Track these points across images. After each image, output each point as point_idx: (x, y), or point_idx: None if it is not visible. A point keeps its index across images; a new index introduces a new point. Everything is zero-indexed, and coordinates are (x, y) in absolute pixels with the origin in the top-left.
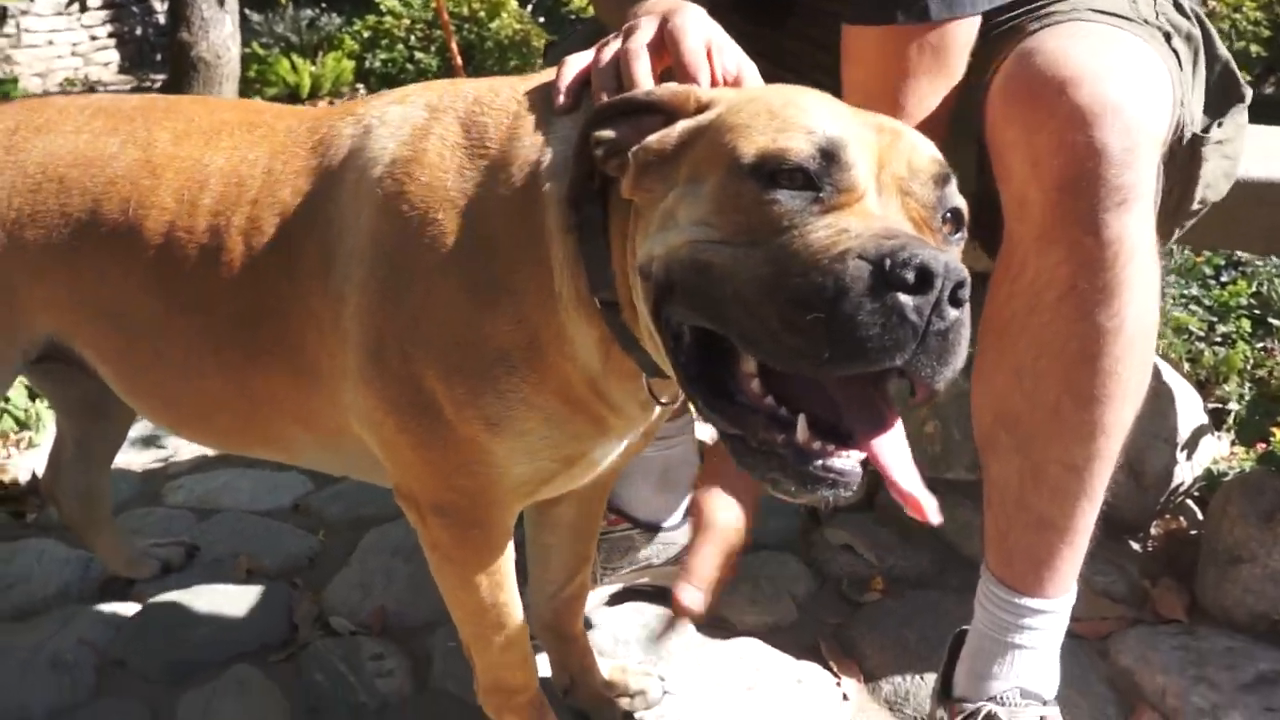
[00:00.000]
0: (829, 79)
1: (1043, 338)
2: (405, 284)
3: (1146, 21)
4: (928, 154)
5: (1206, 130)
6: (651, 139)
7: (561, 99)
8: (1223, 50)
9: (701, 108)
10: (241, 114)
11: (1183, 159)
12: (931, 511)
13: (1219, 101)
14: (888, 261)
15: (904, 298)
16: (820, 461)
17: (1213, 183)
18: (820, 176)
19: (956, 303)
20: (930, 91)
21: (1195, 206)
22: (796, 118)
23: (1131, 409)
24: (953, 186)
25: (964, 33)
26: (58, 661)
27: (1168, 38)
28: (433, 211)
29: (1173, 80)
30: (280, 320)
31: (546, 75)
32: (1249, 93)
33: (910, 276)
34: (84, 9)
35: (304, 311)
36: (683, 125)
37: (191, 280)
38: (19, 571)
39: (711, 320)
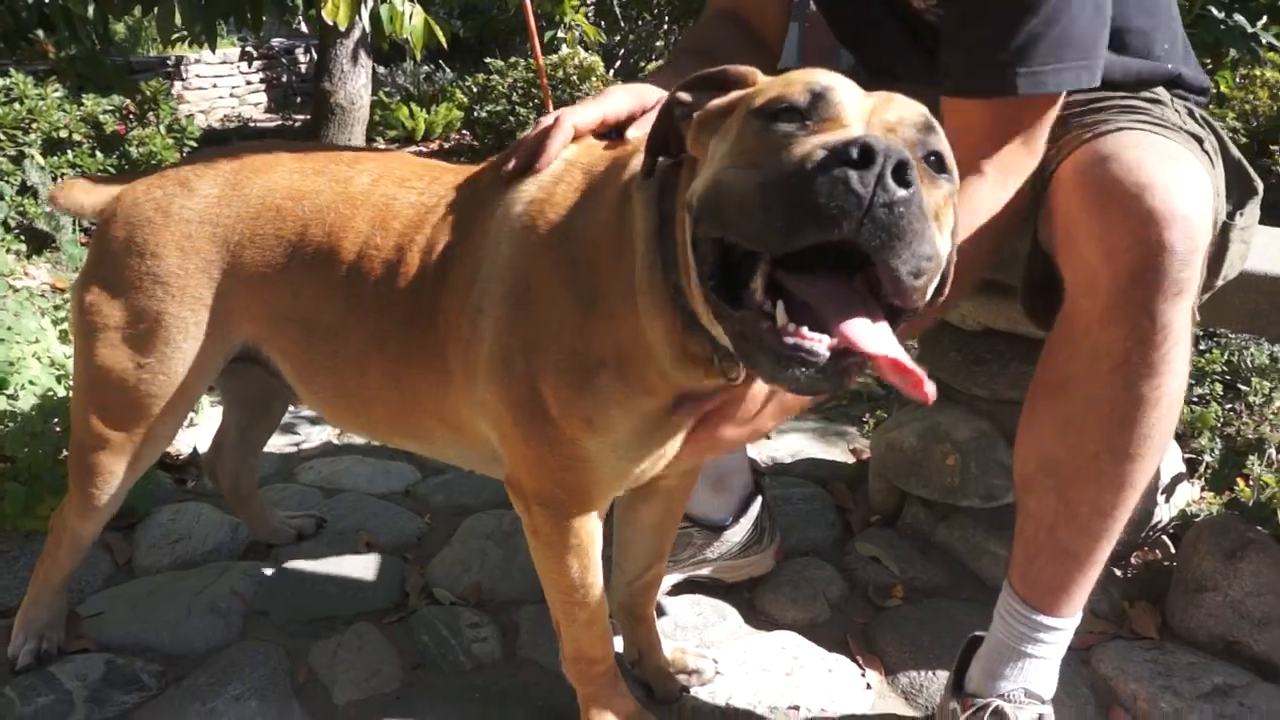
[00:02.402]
0: None
1: (1093, 398)
2: (530, 301)
3: (1181, 129)
4: (915, 109)
5: (1230, 218)
6: (712, 103)
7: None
8: (1234, 150)
9: (755, 84)
10: (429, 165)
11: (1215, 245)
12: (916, 370)
13: (1237, 194)
14: (839, 145)
15: (848, 170)
16: (791, 340)
17: (1233, 263)
18: (809, 110)
19: (903, 182)
20: (1014, 161)
21: (1219, 285)
22: (802, 76)
23: (1155, 467)
24: (937, 134)
25: (1046, 107)
26: (214, 607)
27: (1199, 142)
28: (554, 241)
29: (1210, 181)
30: (429, 327)
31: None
32: (1261, 186)
33: (854, 153)
34: (251, 61)
35: (447, 321)
36: (733, 94)
37: (371, 290)
38: (182, 529)
39: (721, 228)
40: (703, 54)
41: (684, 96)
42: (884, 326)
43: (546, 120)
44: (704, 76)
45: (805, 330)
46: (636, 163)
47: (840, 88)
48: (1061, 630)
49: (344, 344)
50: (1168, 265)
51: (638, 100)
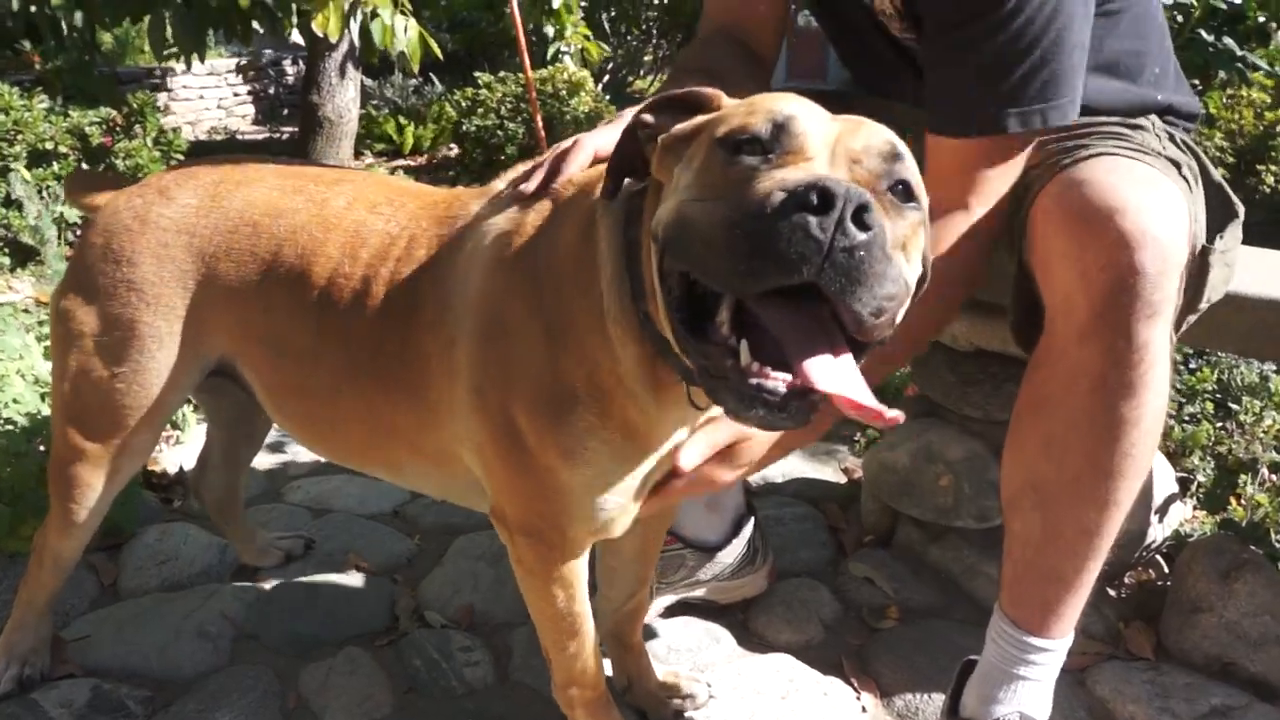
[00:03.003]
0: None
1: (1073, 417)
2: (500, 334)
3: (1160, 154)
4: (881, 136)
5: (1210, 242)
6: (676, 127)
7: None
8: (1216, 174)
9: (720, 107)
10: (398, 190)
11: (1193, 268)
12: (873, 405)
13: (1219, 217)
14: (799, 189)
15: (808, 216)
16: (754, 381)
17: (1215, 286)
18: (771, 143)
19: (862, 226)
20: (998, 191)
21: (1201, 308)
22: (765, 104)
23: (1138, 485)
24: (904, 163)
25: (1029, 140)
26: (203, 630)
27: (1177, 167)
28: (521, 270)
29: (1187, 205)
30: (403, 359)
31: None
32: (1242, 209)
33: (813, 198)
34: (244, 73)
35: (422, 353)
36: (699, 119)
37: (341, 317)
38: (169, 550)
39: (687, 263)
40: (705, 72)
41: (648, 118)
42: (847, 360)
43: (565, 143)
44: (669, 98)
45: (768, 370)
46: (596, 209)
47: (802, 116)
48: (1053, 651)
49: (315, 369)
50: (1140, 287)
51: None
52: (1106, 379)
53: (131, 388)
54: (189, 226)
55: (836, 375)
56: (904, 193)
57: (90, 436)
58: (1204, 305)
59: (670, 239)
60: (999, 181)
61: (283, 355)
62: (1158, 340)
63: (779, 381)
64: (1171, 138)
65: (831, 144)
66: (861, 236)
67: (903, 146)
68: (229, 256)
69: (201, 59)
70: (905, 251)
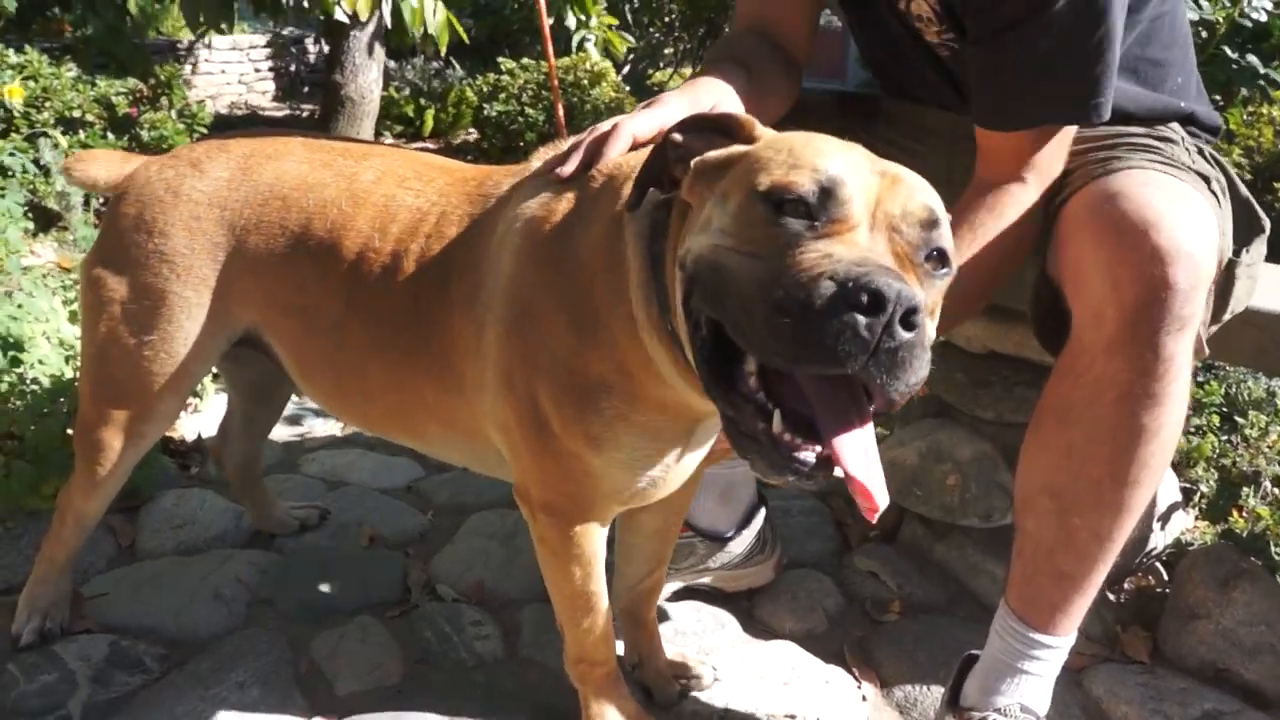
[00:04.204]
0: None
1: (1097, 427)
2: (529, 321)
3: (1190, 168)
4: (920, 200)
5: (1237, 255)
6: (710, 154)
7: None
8: (1243, 188)
9: (754, 138)
10: (427, 164)
11: (1221, 281)
12: (879, 499)
13: (1244, 231)
14: (850, 285)
15: (858, 317)
16: (789, 452)
17: (1239, 299)
18: (818, 208)
19: (908, 326)
20: (1053, 169)
21: (1225, 319)
22: (809, 157)
23: (1153, 493)
24: (940, 230)
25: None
26: (218, 594)
27: (1207, 181)
28: (551, 260)
29: (1216, 220)
30: (432, 335)
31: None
32: (1267, 223)
33: (864, 299)
34: (273, 51)
35: (451, 331)
36: (734, 148)
37: (371, 292)
38: (186, 514)
39: (717, 312)
40: (736, 61)
41: (678, 138)
42: (869, 434)
43: (604, 126)
44: (700, 119)
45: (799, 441)
46: (629, 188)
47: (848, 179)
48: (1057, 649)
49: (344, 342)
50: (1171, 301)
51: (693, 108)
52: (1132, 390)
53: (159, 355)
54: (221, 199)
55: (862, 459)
56: (939, 258)
57: (116, 402)
58: (1227, 317)
59: (703, 282)
60: (1053, 162)
61: (311, 327)
62: (1183, 353)
63: (810, 453)
64: (1200, 151)
65: (872, 208)
66: (907, 336)
67: (940, 210)
68: (259, 229)
69: (230, 28)
70: (932, 316)
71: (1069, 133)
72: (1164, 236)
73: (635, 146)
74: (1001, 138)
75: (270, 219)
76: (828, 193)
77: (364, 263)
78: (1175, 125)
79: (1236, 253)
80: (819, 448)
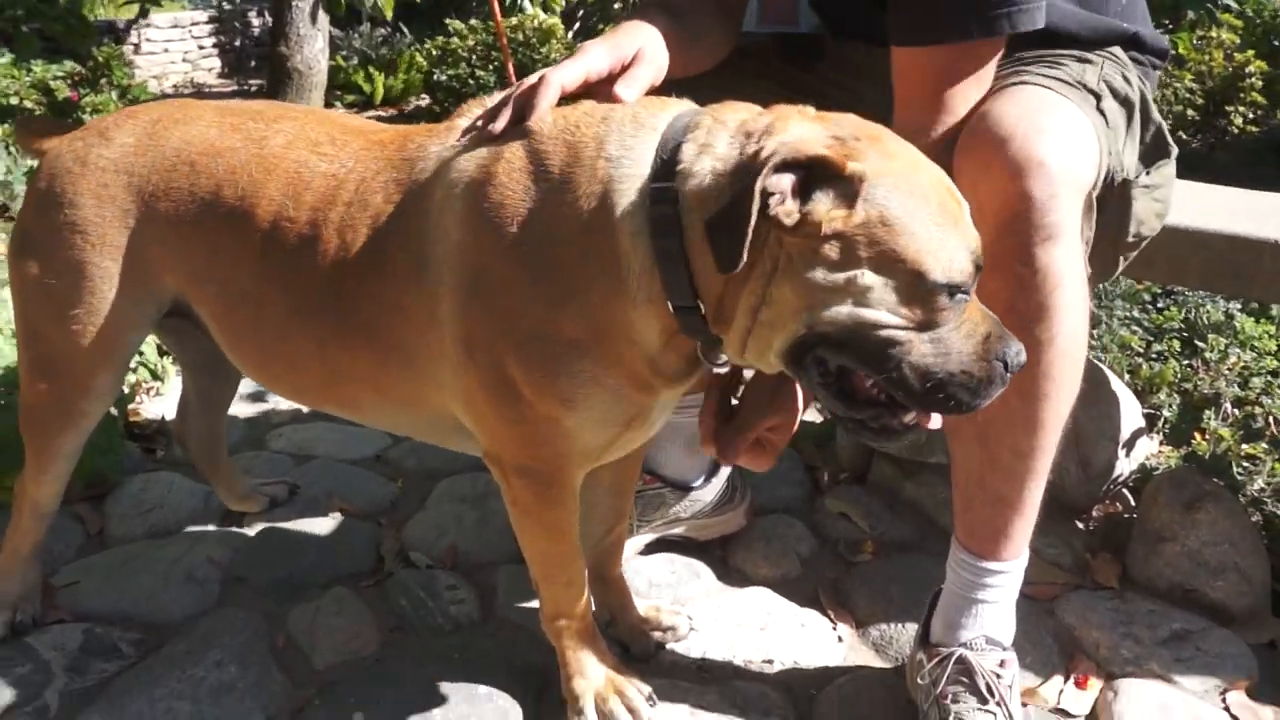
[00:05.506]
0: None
1: None
2: (488, 288)
3: (1084, 86)
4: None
5: (1137, 176)
6: (827, 210)
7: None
8: (1156, 115)
9: (850, 173)
10: (341, 127)
11: (1115, 200)
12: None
13: (1152, 155)
14: (1009, 363)
15: (1007, 376)
16: (905, 428)
17: (1145, 220)
18: (969, 286)
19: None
20: (967, 103)
21: (1130, 239)
22: (956, 234)
23: (1066, 406)
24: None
25: (996, 48)
26: (191, 575)
27: (1098, 99)
28: (510, 229)
29: (1099, 136)
30: (369, 309)
31: (586, 106)
32: (1175, 149)
33: (1012, 368)
34: (221, 26)
35: (394, 305)
36: (859, 219)
37: (288, 262)
38: (153, 498)
39: (869, 368)
40: (665, 7)
41: (772, 187)
42: None
43: (529, 79)
44: (788, 163)
45: (910, 419)
46: (604, 170)
47: (981, 247)
48: (1007, 573)
49: (263, 310)
50: (1030, 212)
51: (616, 56)
52: (1015, 305)
53: (86, 329)
54: (127, 166)
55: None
56: None
57: (52, 381)
58: (1132, 238)
59: (852, 343)
60: (967, 94)
61: (229, 296)
62: (1061, 262)
63: (909, 421)
64: (1125, 75)
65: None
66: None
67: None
68: (168, 195)
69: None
70: None
71: (989, 66)
72: (1015, 148)
73: (563, 96)
74: (918, 67)
75: (179, 185)
76: (979, 268)
77: (279, 232)
78: (1117, 49)
79: (1139, 175)
80: (910, 417)
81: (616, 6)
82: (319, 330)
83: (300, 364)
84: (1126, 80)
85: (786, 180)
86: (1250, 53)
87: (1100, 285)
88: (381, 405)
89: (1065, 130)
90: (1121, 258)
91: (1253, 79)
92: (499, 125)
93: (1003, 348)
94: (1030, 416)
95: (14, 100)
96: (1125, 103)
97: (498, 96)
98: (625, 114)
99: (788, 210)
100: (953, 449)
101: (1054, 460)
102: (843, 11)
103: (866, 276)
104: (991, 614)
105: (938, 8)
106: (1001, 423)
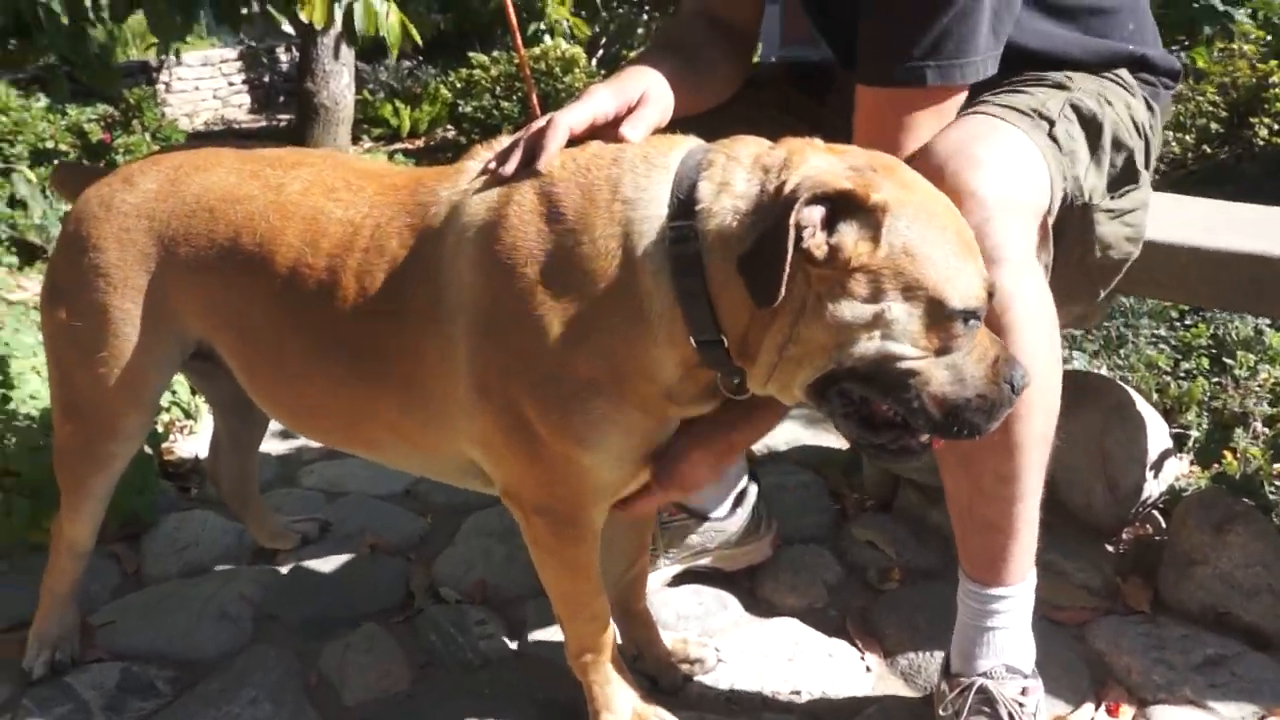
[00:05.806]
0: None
1: None
2: (500, 330)
3: (1038, 113)
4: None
5: (1099, 200)
6: (853, 243)
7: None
8: (1127, 141)
9: (873, 204)
10: (358, 171)
11: (1076, 223)
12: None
13: (1121, 180)
14: (1015, 385)
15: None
16: (923, 447)
17: (1114, 244)
18: (983, 312)
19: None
20: (921, 139)
21: (1098, 261)
22: (971, 260)
23: (1045, 424)
24: None
25: (952, 93)
26: (224, 613)
27: (1051, 125)
28: (525, 271)
29: (1048, 161)
30: (385, 352)
31: (595, 148)
32: (1145, 176)
33: (1017, 390)
34: (250, 63)
35: (411, 349)
36: (886, 244)
37: (307, 307)
38: (188, 537)
39: (890, 398)
40: (673, 48)
41: (804, 221)
42: None
43: (538, 122)
44: (821, 195)
45: (925, 439)
46: (621, 212)
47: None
48: (1013, 598)
49: (283, 354)
50: None
51: (622, 98)
52: None
53: (111, 371)
54: (149, 211)
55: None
56: None
57: (80, 423)
58: (1100, 256)
59: (875, 375)
60: (920, 134)
61: (250, 340)
62: (1008, 284)
63: (924, 441)
64: (1106, 98)
65: None
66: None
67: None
68: (188, 240)
69: (184, 36)
70: None
71: (950, 104)
72: (948, 178)
73: (571, 138)
74: (877, 103)
75: (198, 231)
76: (991, 294)
77: (298, 278)
78: (1124, 71)
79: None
80: (926, 435)
81: (639, 32)
82: (338, 373)
83: (321, 407)
84: (1108, 103)
85: (817, 213)
86: (1274, 63)
87: (1124, 302)
88: (399, 446)
89: (1002, 157)
90: (1096, 282)
91: (1277, 89)
92: (509, 168)
93: (1009, 370)
94: (1006, 439)
95: (49, 144)
96: (1089, 125)
97: (506, 140)
98: (635, 154)
99: (818, 243)
100: (944, 481)
101: (1056, 476)
102: (850, 39)
103: (894, 309)
104: (1006, 640)
105: (896, 54)
106: (981, 448)
